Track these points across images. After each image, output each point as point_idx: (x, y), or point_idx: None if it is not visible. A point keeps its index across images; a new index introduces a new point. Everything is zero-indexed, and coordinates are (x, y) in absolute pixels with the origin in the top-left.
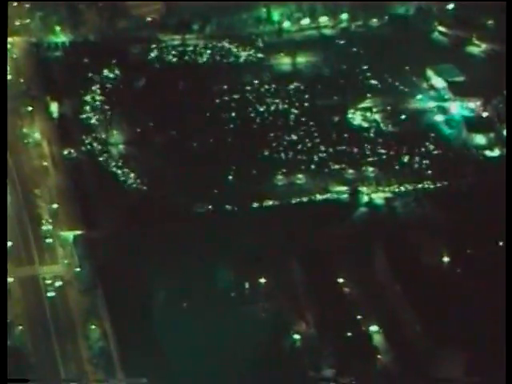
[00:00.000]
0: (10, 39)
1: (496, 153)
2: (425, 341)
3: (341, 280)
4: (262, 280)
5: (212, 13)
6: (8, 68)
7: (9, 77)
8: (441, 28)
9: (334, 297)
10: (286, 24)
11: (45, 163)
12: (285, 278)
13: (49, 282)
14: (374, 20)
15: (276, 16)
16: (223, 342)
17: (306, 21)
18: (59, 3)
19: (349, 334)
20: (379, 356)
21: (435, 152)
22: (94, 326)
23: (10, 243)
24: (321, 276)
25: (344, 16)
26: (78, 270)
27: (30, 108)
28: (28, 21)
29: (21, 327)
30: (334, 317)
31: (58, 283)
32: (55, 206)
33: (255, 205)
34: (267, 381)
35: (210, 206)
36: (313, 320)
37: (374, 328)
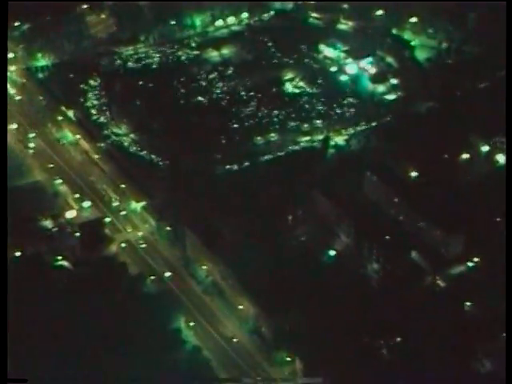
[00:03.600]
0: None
1: (393, 96)
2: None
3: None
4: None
5: (151, 25)
6: (16, 90)
7: (21, 97)
8: (314, 14)
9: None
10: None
11: (88, 156)
12: (315, 209)
13: (141, 241)
14: (265, 15)
15: (198, 21)
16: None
17: (219, 22)
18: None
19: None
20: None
21: (354, 102)
22: (204, 266)
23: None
24: (344, 200)
25: (244, 15)
26: (168, 229)
27: (61, 117)
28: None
29: (153, 277)
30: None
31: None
32: (122, 186)
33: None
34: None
35: (226, 166)
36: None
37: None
